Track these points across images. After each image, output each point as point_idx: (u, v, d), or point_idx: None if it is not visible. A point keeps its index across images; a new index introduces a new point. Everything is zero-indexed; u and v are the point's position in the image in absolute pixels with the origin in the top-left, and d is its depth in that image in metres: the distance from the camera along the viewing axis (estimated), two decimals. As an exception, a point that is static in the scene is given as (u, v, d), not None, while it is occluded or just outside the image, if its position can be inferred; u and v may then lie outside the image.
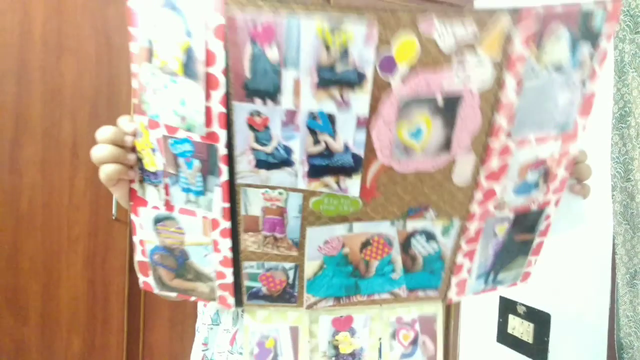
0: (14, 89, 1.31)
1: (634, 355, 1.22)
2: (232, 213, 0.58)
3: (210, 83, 0.50)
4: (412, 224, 0.60)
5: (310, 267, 0.61)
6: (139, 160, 0.59)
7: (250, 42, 0.48)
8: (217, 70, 0.49)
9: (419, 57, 0.49)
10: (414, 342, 0.69)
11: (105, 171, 0.60)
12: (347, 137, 0.52)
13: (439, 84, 0.50)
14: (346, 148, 0.53)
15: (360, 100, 0.50)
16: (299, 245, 0.60)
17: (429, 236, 0.62)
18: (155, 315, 1.50)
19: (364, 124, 0.51)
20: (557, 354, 1.52)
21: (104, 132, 0.61)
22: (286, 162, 0.54)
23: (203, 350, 0.85)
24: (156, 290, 0.66)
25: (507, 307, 1.69)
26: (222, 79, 0.50)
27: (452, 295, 0.68)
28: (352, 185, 0.55)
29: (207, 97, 0.51)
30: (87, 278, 1.41)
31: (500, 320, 1.72)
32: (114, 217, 1.42)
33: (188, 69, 0.51)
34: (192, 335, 1.21)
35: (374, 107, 0.51)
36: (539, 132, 0.57)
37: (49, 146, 1.35)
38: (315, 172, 0.54)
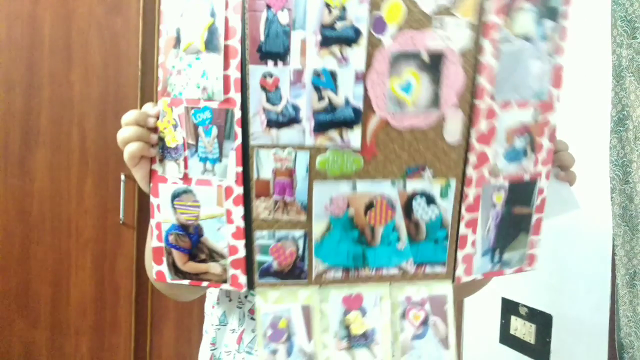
0: (23, 97, 1.35)
1: (635, 355, 1.23)
2: (245, 181, 0.63)
3: (228, 53, 0.59)
4: (411, 185, 0.64)
5: (318, 227, 0.64)
6: (161, 139, 0.65)
7: (266, 8, 0.57)
8: (235, 41, 0.59)
9: (404, 17, 0.58)
10: (425, 322, 0.69)
11: (129, 149, 0.65)
12: (347, 91, 0.60)
13: (423, 42, 0.59)
14: (347, 102, 0.60)
15: (357, 56, 0.59)
16: (307, 209, 0.64)
17: (429, 199, 0.65)
18: (162, 317, 1.52)
19: (362, 78, 0.59)
20: (559, 355, 1.53)
21: (129, 115, 0.66)
22: (294, 120, 0.60)
23: (211, 350, 0.87)
24: (169, 278, 0.68)
25: (509, 308, 1.69)
26: (238, 47, 0.59)
27: (460, 273, 0.70)
28: (354, 137, 0.61)
29: (226, 66, 0.60)
30: (95, 281, 1.44)
31: (503, 321, 1.72)
32: (121, 222, 1.45)
33: (210, 44, 0.60)
34: (198, 336, 1.24)
35: (368, 63, 0.59)
36: (518, 97, 0.65)
37: (57, 152, 1.39)
38: (320, 126, 0.61)
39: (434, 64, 0.60)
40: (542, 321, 1.56)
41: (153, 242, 0.67)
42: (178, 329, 1.55)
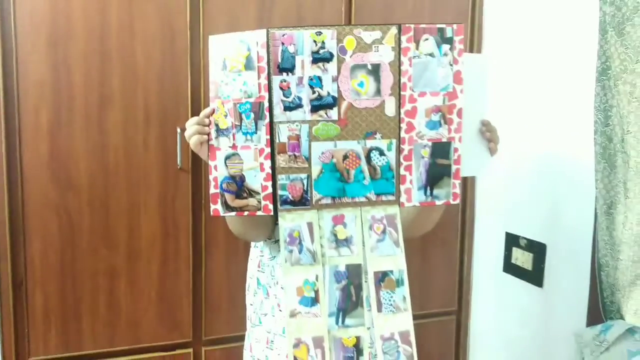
0: (99, 69, 1.57)
1: (609, 272, 1.41)
2: (271, 144, 0.98)
3: (260, 70, 0.96)
4: (369, 143, 1.00)
5: (315, 171, 1.00)
6: (216, 125, 0.98)
7: (281, 44, 0.95)
8: (263, 63, 0.96)
9: (356, 46, 0.96)
10: (384, 231, 1.01)
11: (193, 140, 0.99)
12: (328, 88, 0.97)
13: (368, 59, 0.97)
14: (328, 94, 0.98)
15: (332, 67, 0.97)
16: (308, 159, 0.99)
17: (381, 152, 1.00)
18: (214, 247, 1.76)
19: (336, 80, 0.97)
20: (550, 277, 1.68)
21: (191, 120, 1.00)
22: (299, 106, 0.98)
23: (259, 257, 1.25)
24: (222, 212, 1.00)
25: (511, 241, 1.85)
26: (265, 67, 0.96)
27: (404, 200, 1.03)
28: (334, 113, 0.98)
29: (258, 77, 0.97)
30: (160, 217, 1.67)
31: (506, 252, 1.87)
32: (179, 167, 1.67)
33: (248, 66, 0.97)
34: (242, 260, 1.54)
35: (338, 71, 0.96)
36: (430, 89, 1.00)
37: (127, 113, 1.61)
38: (314, 109, 0.98)
39: (375, 70, 0.97)
40: (537, 250, 1.71)
41: (211, 189, 1.00)
42: (227, 255, 1.77)
